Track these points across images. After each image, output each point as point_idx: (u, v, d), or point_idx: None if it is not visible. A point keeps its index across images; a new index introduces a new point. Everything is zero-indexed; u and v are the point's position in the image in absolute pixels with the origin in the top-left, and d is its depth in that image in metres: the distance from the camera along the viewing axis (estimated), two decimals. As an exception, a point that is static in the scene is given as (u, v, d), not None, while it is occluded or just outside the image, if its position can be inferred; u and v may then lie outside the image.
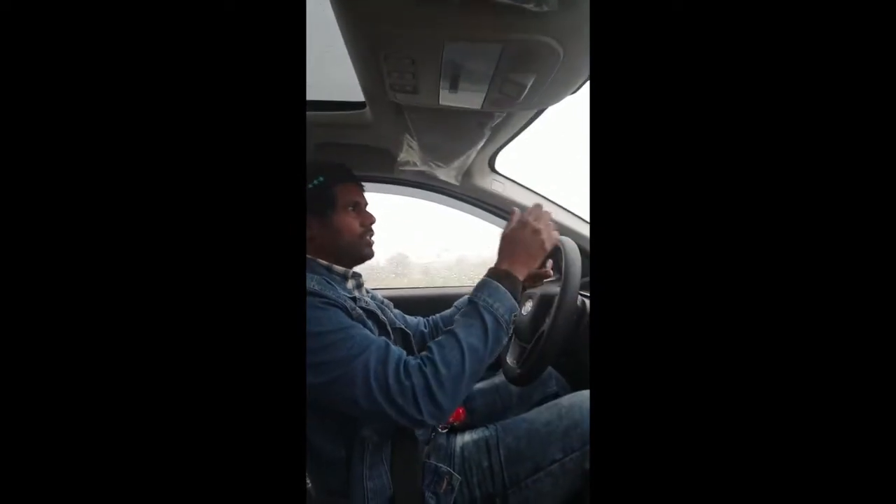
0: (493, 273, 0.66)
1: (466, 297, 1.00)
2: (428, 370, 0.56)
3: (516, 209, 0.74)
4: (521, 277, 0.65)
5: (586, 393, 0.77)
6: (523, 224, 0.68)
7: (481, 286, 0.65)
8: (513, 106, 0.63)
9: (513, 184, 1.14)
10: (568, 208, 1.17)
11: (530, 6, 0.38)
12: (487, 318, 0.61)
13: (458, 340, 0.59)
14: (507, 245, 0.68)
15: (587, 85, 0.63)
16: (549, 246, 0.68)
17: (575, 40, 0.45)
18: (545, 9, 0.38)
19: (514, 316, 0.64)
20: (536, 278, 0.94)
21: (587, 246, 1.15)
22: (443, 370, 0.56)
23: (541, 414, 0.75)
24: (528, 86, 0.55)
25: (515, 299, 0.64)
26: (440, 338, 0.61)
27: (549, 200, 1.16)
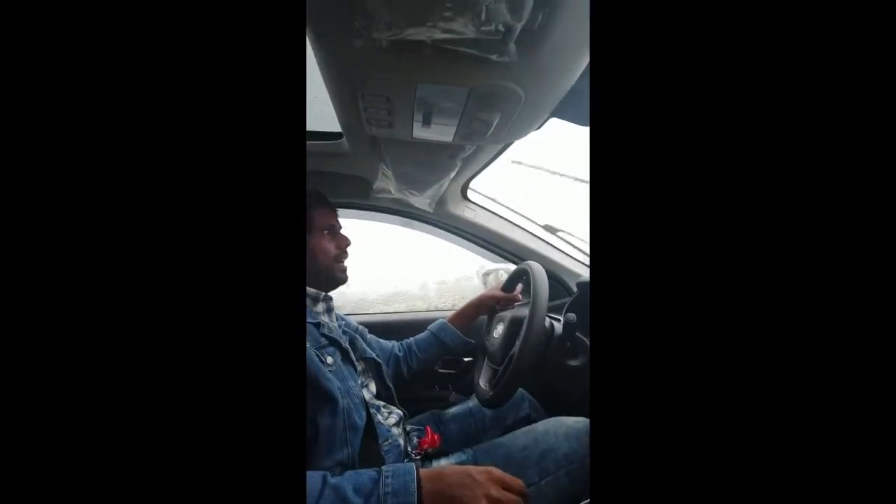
0: (419, 474, 0.52)
1: (440, 319, 1.03)
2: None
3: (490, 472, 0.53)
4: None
5: (561, 419, 0.80)
6: (483, 483, 0.51)
7: (399, 471, 0.52)
8: (481, 140, 0.67)
9: (484, 211, 1.19)
10: (535, 232, 1.23)
11: (493, 56, 0.43)
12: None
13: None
14: (452, 485, 0.51)
15: (549, 122, 0.69)
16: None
17: (535, 84, 0.51)
18: (506, 59, 0.43)
19: None
20: (506, 302, 0.97)
21: (554, 270, 1.20)
22: None
23: (517, 438, 0.77)
24: (494, 123, 0.59)
25: None
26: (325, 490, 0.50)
27: (517, 225, 1.22)
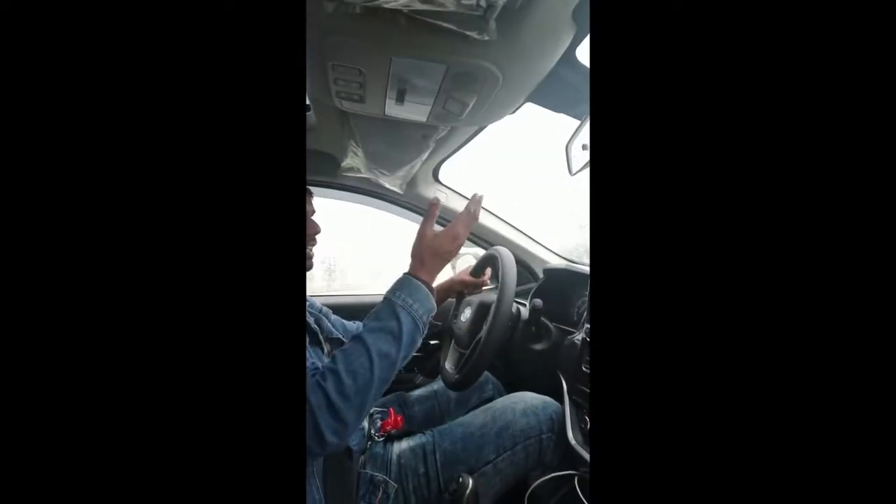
0: (412, 273, 0.63)
1: None
2: (329, 384, 0.52)
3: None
4: (430, 282, 0.63)
5: (518, 394, 0.82)
6: (428, 227, 0.65)
7: (400, 284, 0.61)
8: (456, 122, 0.66)
9: (455, 194, 1.18)
10: (506, 219, 1.23)
11: (473, 34, 0.41)
12: (404, 317, 0.57)
13: (366, 347, 0.55)
14: (418, 249, 0.64)
15: (525, 106, 0.68)
16: (455, 245, 0.64)
17: (514, 66, 0.49)
18: (486, 37, 0.41)
19: (431, 317, 0.61)
20: (474, 286, 0.98)
21: (522, 255, 1.22)
22: (347, 381, 0.52)
23: (476, 417, 0.78)
24: (471, 104, 0.58)
25: (432, 301, 0.61)
26: (347, 344, 0.57)
27: (489, 211, 1.22)
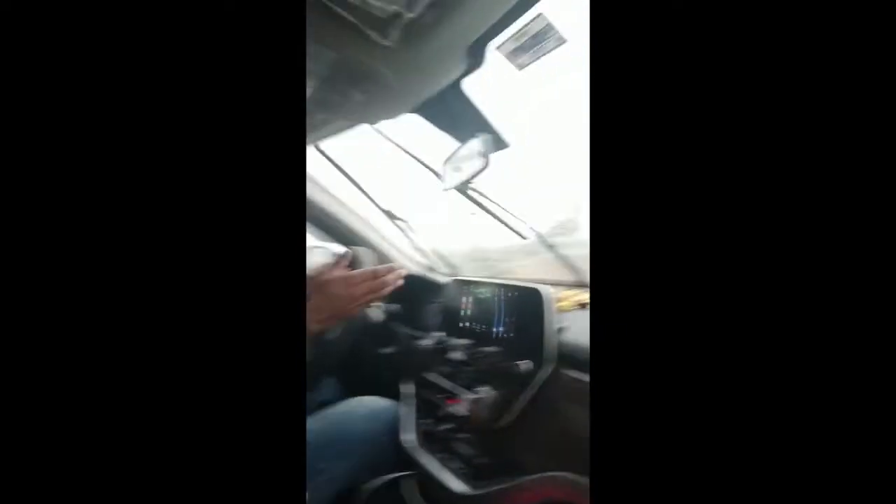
0: None
1: None
2: None
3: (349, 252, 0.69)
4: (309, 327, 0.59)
5: (361, 399, 0.81)
6: (342, 277, 0.62)
7: None
8: (333, 113, 0.62)
9: (316, 184, 1.10)
10: (369, 220, 1.21)
11: (374, 35, 0.40)
12: None
13: None
14: (312, 288, 0.61)
15: (410, 116, 0.68)
16: (351, 310, 0.63)
17: (408, 78, 0.49)
18: (386, 42, 0.40)
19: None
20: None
21: (381, 259, 1.21)
22: None
23: (313, 423, 0.74)
24: (353, 100, 0.55)
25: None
26: None
27: (352, 210, 1.18)
